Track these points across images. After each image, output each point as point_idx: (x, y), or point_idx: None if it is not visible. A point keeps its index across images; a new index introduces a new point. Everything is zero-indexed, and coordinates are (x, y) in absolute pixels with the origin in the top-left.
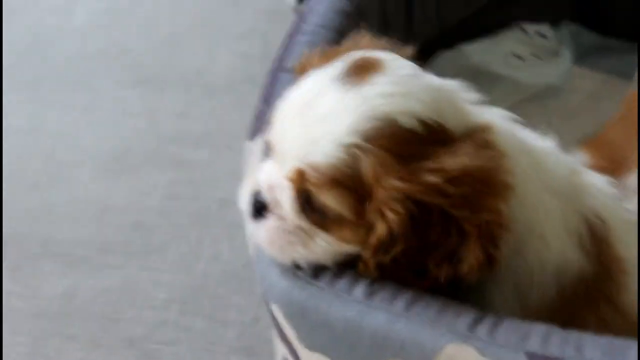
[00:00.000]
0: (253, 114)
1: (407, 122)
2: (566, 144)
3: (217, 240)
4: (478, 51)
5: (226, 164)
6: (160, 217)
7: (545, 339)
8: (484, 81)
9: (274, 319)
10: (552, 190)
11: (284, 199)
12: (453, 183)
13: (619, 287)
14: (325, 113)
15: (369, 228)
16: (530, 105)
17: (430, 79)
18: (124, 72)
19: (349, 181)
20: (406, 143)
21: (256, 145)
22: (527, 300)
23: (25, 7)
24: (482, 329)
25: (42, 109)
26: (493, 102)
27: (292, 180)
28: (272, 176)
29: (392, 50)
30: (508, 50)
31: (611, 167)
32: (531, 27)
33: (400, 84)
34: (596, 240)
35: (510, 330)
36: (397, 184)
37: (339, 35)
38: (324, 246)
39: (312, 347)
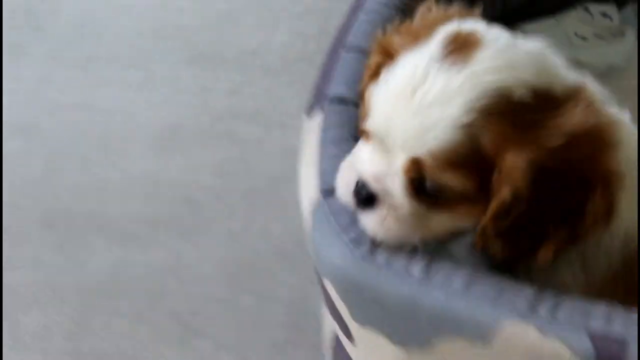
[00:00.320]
0: (310, 90)
1: (519, 92)
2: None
3: (268, 218)
4: (539, 31)
5: (278, 142)
6: (211, 194)
7: (608, 319)
8: None
9: (326, 293)
10: (627, 158)
11: (396, 189)
12: (573, 142)
13: None
14: (435, 97)
15: (489, 199)
16: None
17: (527, 45)
18: (177, 50)
19: (469, 159)
20: (521, 112)
21: (314, 122)
22: (594, 271)
23: None
24: (543, 308)
25: (96, 86)
26: None
27: (406, 169)
28: (378, 166)
29: (464, 15)
30: (571, 30)
31: None
32: (595, 8)
33: (503, 56)
34: None
35: (572, 309)
36: (521, 152)
37: (401, 13)
38: (440, 226)
39: (364, 322)
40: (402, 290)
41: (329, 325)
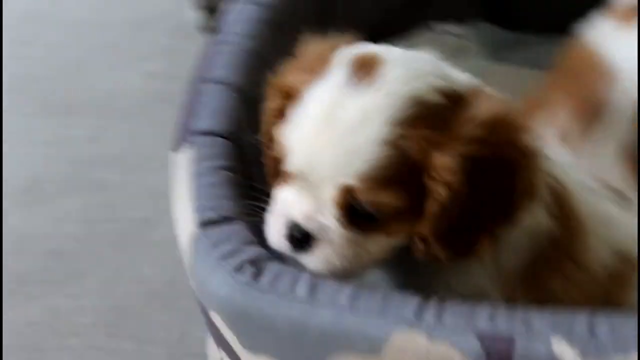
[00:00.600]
0: (175, 126)
1: (432, 97)
2: None
3: (137, 261)
4: None
5: (141, 185)
6: (78, 243)
7: (492, 318)
8: None
9: (212, 325)
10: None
11: (329, 222)
12: (489, 130)
13: (582, 246)
14: (353, 121)
15: (422, 209)
16: None
17: (421, 56)
18: (30, 101)
19: (399, 172)
20: (437, 115)
21: (182, 156)
22: (508, 271)
23: None
24: (429, 314)
25: None
26: None
27: (337, 199)
28: (305, 204)
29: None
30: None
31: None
32: (441, 27)
33: (407, 68)
34: (559, 204)
35: (457, 312)
36: (447, 150)
37: (258, 42)
38: (379, 248)
39: (255, 349)
40: (289, 311)
41: (214, 357)
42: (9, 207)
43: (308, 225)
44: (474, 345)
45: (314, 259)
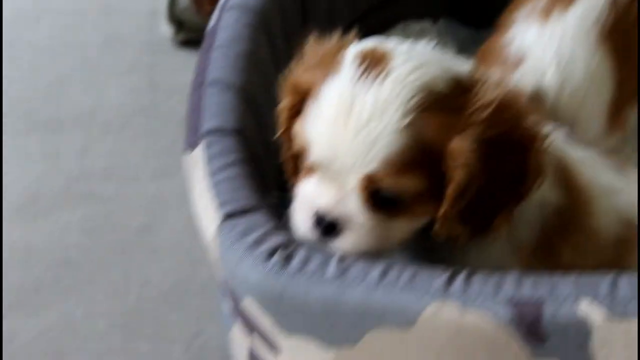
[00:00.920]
0: (186, 129)
1: (440, 84)
2: None
3: (143, 265)
4: None
5: (135, 194)
6: (83, 252)
7: (519, 285)
8: None
9: (242, 314)
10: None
11: (354, 209)
12: (498, 112)
13: (587, 214)
14: (370, 112)
15: (443, 191)
16: None
17: (423, 46)
18: (16, 121)
19: (418, 158)
20: (448, 101)
21: (196, 156)
22: (520, 243)
23: None
24: (458, 285)
25: None
26: None
27: (362, 187)
28: (329, 194)
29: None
30: None
31: None
32: (412, 25)
33: (414, 59)
34: (564, 174)
35: (485, 281)
36: (462, 133)
37: (250, 45)
38: (402, 231)
39: (291, 331)
40: (321, 292)
41: (241, 346)
42: (10, 221)
43: (334, 213)
44: (505, 311)
45: (342, 245)
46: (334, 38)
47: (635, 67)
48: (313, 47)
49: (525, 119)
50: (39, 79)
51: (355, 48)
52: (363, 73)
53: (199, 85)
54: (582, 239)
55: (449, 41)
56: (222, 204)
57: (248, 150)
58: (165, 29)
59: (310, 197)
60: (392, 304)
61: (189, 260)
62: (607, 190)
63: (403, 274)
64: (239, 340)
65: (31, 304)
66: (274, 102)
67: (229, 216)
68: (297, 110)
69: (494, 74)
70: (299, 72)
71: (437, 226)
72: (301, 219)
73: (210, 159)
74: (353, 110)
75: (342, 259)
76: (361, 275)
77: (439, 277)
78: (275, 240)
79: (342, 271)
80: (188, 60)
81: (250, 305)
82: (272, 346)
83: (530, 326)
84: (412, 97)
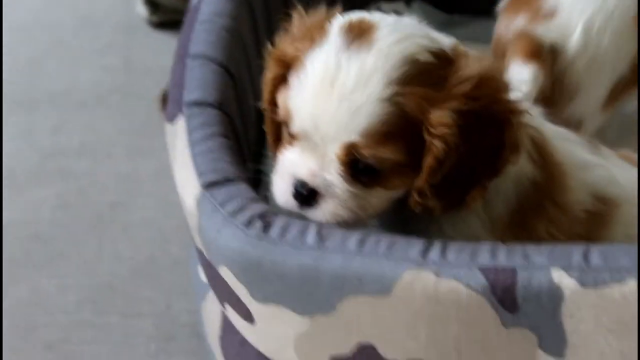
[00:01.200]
0: (169, 99)
1: (423, 56)
2: None
3: (115, 241)
4: None
5: (108, 171)
6: (56, 227)
7: (493, 253)
8: None
9: (217, 282)
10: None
11: (334, 178)
12: (478, 86)
13: (562, 188)
14: (353, 81)
15: (420, 162)
16: None
17: (408, 20)
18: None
19: (398, 128)
20: (430, 73)
21: (178, 126)
22: (497, 215)
23: None
24: (434, 253)
25: None
26: None
27: (341, 156)
28: (309, 163)
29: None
30: None
31: None
32: (388, 6)
33: (398, 30)
34: (540, 151)
35: (460, 250)
36: (441, 106)
37: (232, 20)
38: (380, 201)
39: (266, 299)
40: (300, 259)
41: (214, 315)
42: None
43: (314, 182)
44: (479, 278)
45: (320, 213)
46: (320, 10)
47: None
48: (299, 19)
49: (505, 94)
50: (12, 59)
51: (342, 20)
52: (348, 43)
53: (181, 58)
54: (557, 214)
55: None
56: (202, 174)
57: (228, 123)
58: (141, 10)
59: (291, 166)
60: (370, 272)
61: (160, 237)
62: (582, 165)
63: (380, 242)
64: (213, 310)
65: (3, 278)
66: (253, 76)
67: (210, 185)
68: (281, 80)
69: (519, 20)
70: (284, 43)
71: (412, 198)
72: (281, 187)
73: (192, 130)
74: (337, 80)
75: (320, 228)
76: (339, 243)
77: (416, 246)
78: (254, 209)
79: (321, 239)
80: (162, 41)
81: (226, 274)
82: (247, 315)
83: (504, 294)
84: (396, 68)
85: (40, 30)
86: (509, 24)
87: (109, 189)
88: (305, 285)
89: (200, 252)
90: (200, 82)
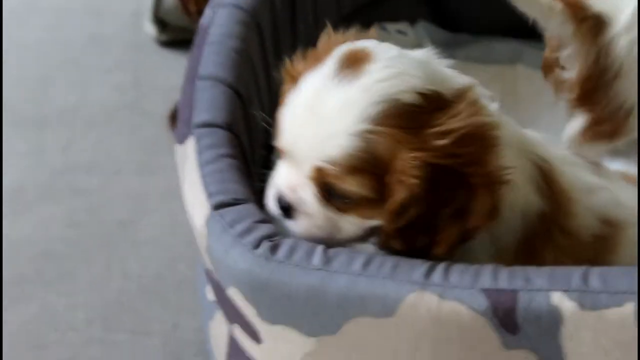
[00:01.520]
0: (179, 120)
1: (409, 97)
2: None
3: (125, 259)
4: None
5: (118, 189)
6: (66, 245)
7: (495, 276)
8: None
9: (225, 303)
10: (510, 144)
11: (307, 197)
12: (458, 142)
13: (569, 215)
14: (332, 109)
15: (388, 200)
16: None
17: (414, 54)
18: (3, 117)
19: (366, 164)
20: (412, 116)
21: (188, 147)
22: (504, 247)
23: None
24: (437, 276)
25: None
26: None
27: (313, 178)
28: (291, 178)
29: (360, 36)
30: None
31: None
32: (391, 26)
33: (392, 66)
34: (546, 179)
35: (462, 272)
36: (412, 153)
37: (241, 42)
38: (351, 227)
39: (273, 320)
40: (306, 280)
41: (221, 334)
42: None
43: (290, 197)
44: (481, 300)
45: (296, 226)
46: (349, 32)
47: None
48: (324, 39)
49: (490, 156)
50: (23, 76)
51: (345, 46)
52: (338, 71)
53: (191, 79)
54: (564, 240)
55: (426, 43)
56: (212, 195)
57: (237, 144)
58: (149, 29)
59: (277, 177)
60: (374, 293)
61: (169, 255)
62: (588, 189)
63: (385, 264)
64: (220, 329)
65: (13, 296)
66: (261, 96)
67: (219, 206)
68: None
69: None
70: (299, 60)
71: (378, 237)
72: (269, 195)
73: (201, 151)
74: (317, 106)
75: (326, 250)
76: (345, 264)
77: (419, 268)
78: (262, 230)
79: (327, 261)
80: (171, 59)
81: (234, 294)
82: (254, 335)
83: (505, 315)
84: (373, 105)
85: (50, 49)
86: None
87: (118, 207)
88: (312, 305)
89: (208, 273)
90: (209, 103)
